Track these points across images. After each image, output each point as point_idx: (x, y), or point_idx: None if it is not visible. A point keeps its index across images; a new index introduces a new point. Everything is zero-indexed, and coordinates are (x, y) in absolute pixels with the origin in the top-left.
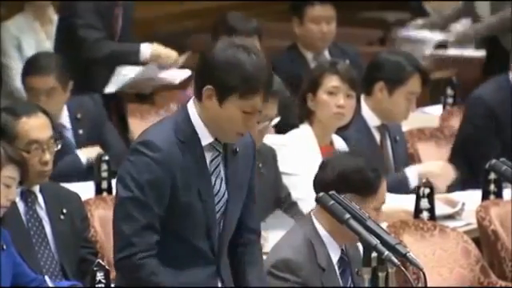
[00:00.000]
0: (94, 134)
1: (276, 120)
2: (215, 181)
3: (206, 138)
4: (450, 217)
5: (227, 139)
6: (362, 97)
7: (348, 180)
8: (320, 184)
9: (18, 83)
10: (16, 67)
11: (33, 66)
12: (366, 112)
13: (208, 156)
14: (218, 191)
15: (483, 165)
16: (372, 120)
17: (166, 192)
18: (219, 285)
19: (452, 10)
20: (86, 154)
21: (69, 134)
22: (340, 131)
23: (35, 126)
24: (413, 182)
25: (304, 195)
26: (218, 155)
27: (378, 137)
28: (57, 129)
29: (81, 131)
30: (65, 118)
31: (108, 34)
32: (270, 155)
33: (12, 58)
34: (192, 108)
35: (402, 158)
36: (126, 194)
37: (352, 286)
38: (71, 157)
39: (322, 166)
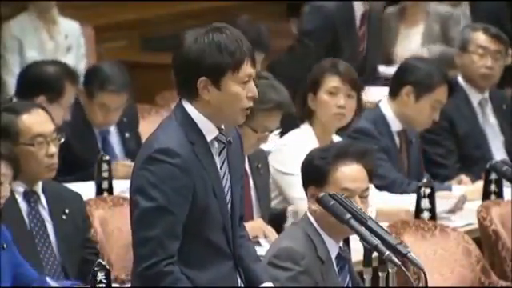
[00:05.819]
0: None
1: (277, 132)
2: (223, 175)
3: (210, 133)
4: (451, 212)
5: (235, 120)
6: (387, 99)
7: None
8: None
9: (12, 80)
10: (13, 67)
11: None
12: (390, 116)
13: (215, 150)
14: (225, 184)
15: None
16: (394, 125)
17: (189, 197)
18: (238, 279)
19: None
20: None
21: (113, 139)
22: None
23: (37, 121)
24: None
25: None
26: (224, 147)
27: (398, 141)
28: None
29: (127, 134)
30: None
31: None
32: (263, 156)
33: (10, 58)
34: (188, 106)
35: (415, 160)
36: (150, 204)
37: (350, 284)
38: None
39: None
